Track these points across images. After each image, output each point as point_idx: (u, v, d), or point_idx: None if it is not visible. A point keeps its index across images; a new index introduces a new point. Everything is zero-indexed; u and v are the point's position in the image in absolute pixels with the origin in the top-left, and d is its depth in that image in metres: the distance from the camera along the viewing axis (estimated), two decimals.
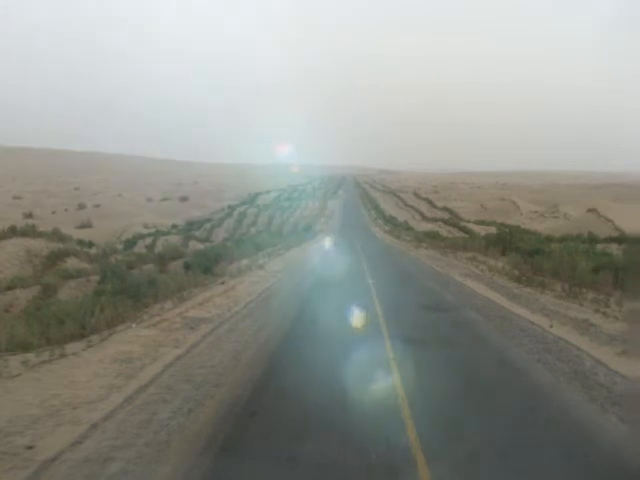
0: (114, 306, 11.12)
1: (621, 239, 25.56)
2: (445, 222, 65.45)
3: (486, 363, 8.62)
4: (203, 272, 19.41)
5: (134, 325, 10.81)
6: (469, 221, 62.34)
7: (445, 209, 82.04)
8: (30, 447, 5.15)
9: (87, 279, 17.29)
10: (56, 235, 24.30)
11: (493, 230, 43.14)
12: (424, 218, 76.76)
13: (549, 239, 29.17)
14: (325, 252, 35.17)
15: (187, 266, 20.62)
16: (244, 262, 24.87)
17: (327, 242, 41.81)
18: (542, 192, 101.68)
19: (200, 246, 34.57)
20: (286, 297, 16.00)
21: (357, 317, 11.85)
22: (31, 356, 8.03)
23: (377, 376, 7.48)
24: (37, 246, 21.51)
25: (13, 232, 22.46)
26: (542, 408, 6.48)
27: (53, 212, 66.59)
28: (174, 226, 54.61)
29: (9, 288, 15.84)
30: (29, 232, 23.13)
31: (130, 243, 38.13)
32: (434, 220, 70.38)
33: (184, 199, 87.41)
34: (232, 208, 76.08)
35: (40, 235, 23.17)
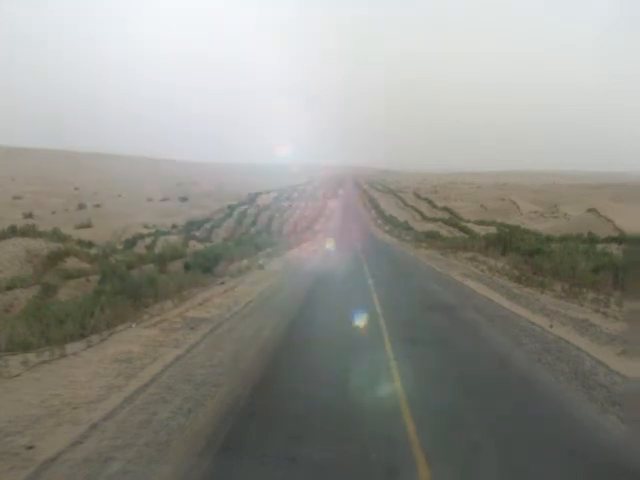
0: (114, 306, 11.13)
1: (621, 239, 25.54)
2: (445, 222, 65.38)
3: (486, 363, 8.62)
4: (203, 272, 19.42)
5: (134, 325, 10.81)
6: (469, 221, 62.24)
7: (445, 209, 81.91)
8: (30, 447, 5.15)
9: (87, 279, 17.29)
10: (56, 235, 24.26)
11: (493, 230, 43.09)
12: (424, 218, 76.71)
13: (549, 239, 29.12)
14: (325, 252, 35.14)
15: (187, 266, 20.62)
16: (244, 262, 24.89)
17: (327, 242, 41.76)
18: (542, 192, 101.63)
19: (200, 246, 34.53)
20: (286, 297, 16.01)
21: (357, 317, 11.85)
22: (31, 356, 8.04)
23: (377, 377, 7.48)
24: (37, 246, 21.47)
25: (13, 232, 22.43)
26: (542, 408, 6.47)
27: (53, 212, 66.47)
28: (174, 226, 54.53)
29: (9, 288, 15.82)
30: (29, 232, 23.08)
31: (130, 243, 38.04)
32: (434, 220, 70.32)
33: (184, 199, 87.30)
34: (232, 208, 75.96)
35: (40, 235, 23.12)
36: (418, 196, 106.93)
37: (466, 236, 43.62)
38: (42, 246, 21.59)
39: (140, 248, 34.99)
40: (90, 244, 27.34)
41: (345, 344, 9.44)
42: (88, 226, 53.24)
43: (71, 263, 20.54)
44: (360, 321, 11.54)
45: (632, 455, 5.20)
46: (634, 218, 43.07)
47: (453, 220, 66.15)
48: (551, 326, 10.86)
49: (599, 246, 22.61)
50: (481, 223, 58.52)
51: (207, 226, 57.90)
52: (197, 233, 50.17)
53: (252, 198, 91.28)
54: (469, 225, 57.06)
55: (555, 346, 9.28)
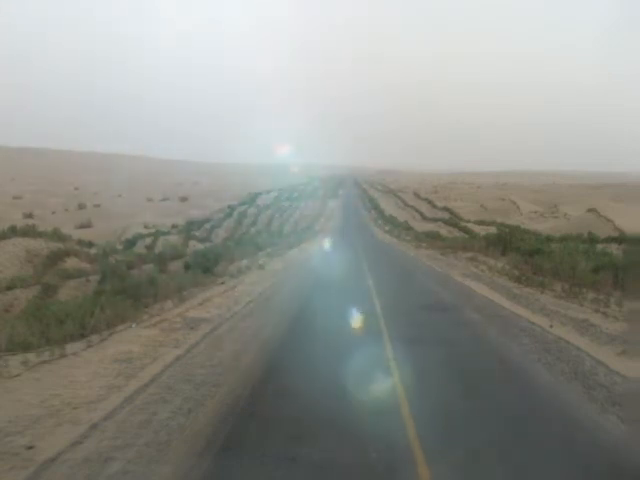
0: (114, 306, 11.12)
1: (621, 239, 25.54)
2: (445, 222, 65.38)
3: (486, 363, 8.62)
4: (203, 272, 19.41)
5: (134, 325, 10.81)
6: (469, 221, 62.23)
7: (445, 209, 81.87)
8: (30, 447, 5.14)
9: (87, 279, 17.29)
10: (56, 235, 24.25)
11: (493, 230, 43.07)
12: (424, 218, 76.71)
13: (549, 239, 29.13)
14: (325, 252, 35.16)
15: (187, 266, 20.63)
16: (244, 262, 24.88)
17: (327, 242, 41.78)
18: (542, 192, 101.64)
19: (200, 246, 34.50)
20: (286, 298, 16.01)
21: (357, 317, 11.86)
22: (31, 356, 8.03)
23: (376, 377, 7.48)
24: (37, 246, 21.47)
25: (13, 232, 22.42)
26: (542, 408, 6.47)
27: (53, 212, 66.48)
28: (174, 226, 54.47)
29: (9, 288, 15.82)
30: (29, 232, 23.07)
31: (130, 243, 37.95)
32: (434, 220, 70.32)
33: (184, 199, 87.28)
34: (232, 208, 75.80)
35: (40, 235, 23.11)
36: (418, 196, 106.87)
37: (466, 236, 43.64)
38: (42, 246, 21.59)
39: (140, 248, 34.92)
40: (90, 244, 27.36)
41: (346, 344, 9.44)
42: (88, 226, 53.26)
43: (71, 263, 20.54)
44: (360, 321, 11.55)
45: (632, 455, 5.20)
46: (634, 218, 43.11)
47: (453, 220, 66.12)
48: (551, 326, 10.87)
49: (599, 246, 22.62)
50: (481, 223, 58.51)
51: (207, 226, 57.78)
52: (197, 233, 50.05)
53: (252, 198, 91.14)
54: (469, 225, 57.05)
55: (555, 346, 9.29)
